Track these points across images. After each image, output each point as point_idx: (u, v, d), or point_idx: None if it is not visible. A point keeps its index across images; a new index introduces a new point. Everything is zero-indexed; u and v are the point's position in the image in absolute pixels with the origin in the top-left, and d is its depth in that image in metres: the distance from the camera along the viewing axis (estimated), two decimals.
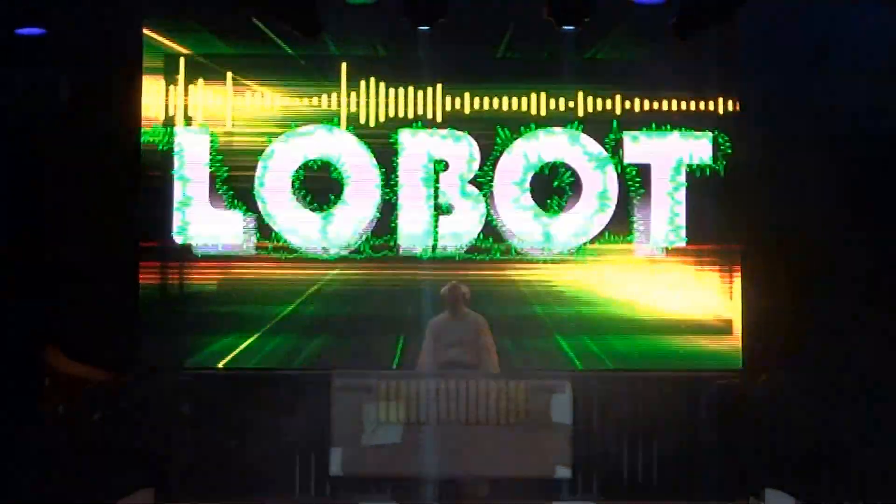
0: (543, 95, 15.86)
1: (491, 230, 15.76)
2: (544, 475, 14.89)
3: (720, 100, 16.15)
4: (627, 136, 15.83)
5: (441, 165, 15.67)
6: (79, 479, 14.26)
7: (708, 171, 16.03)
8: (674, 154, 16.03)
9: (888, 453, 14.59)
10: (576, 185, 15.89)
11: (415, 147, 15.74)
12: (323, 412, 14.39)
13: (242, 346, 15.80)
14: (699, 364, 16.11)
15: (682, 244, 15.99)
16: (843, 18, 15.25)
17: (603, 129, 15.78)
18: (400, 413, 14.39)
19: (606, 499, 14.77)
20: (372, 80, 15.87)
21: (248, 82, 16.12)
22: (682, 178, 16.09)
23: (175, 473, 14.75)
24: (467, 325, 14.96)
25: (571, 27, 14.49)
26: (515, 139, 15.79)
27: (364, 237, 15.86)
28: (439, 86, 15.73)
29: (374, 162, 15.75)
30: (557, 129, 15.88)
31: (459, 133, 15.63)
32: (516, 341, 15.51)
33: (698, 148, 16.06)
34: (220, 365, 15.45)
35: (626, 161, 15.89)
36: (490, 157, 15.71)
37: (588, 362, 15.57)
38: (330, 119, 15.82)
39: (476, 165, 15.71)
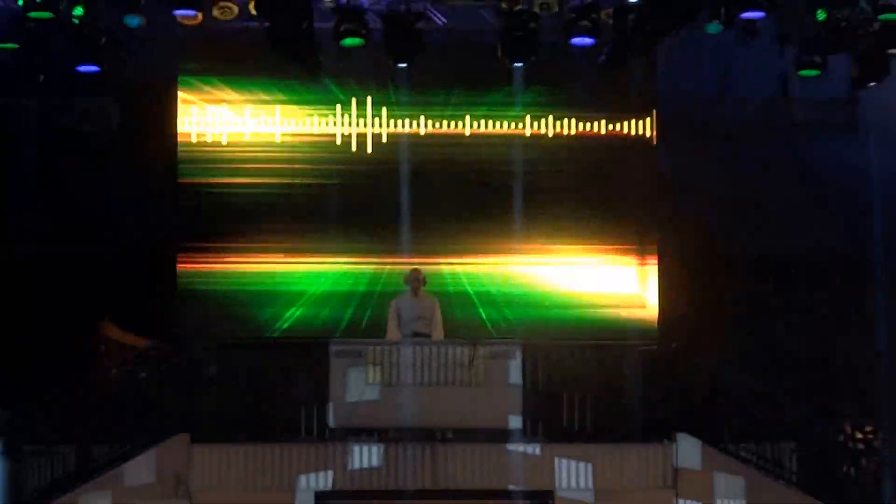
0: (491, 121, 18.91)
1: None
2: (499, 425, 17.32)
3: (638, 120, 18.95)
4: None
5: None
6: (127, 425, 17.02)
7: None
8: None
9: (775, 403, 17.14)
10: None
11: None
12: (322, 374, 17.03)
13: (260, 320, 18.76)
14: (624, 334, 18.90)
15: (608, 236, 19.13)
16: (739, 54, 17.91)
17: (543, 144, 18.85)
18: (383, 375, 17.01)
19: (550, 441, 17.32)
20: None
21: (262, 107, 18.83)
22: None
23: (205, 422, 17.33)
24: (426, 304, 17.54)
25: (520, 63, 16.96)
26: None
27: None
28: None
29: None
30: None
31: None
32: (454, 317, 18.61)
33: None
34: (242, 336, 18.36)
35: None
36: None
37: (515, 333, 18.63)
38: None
39: None
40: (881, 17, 16.52)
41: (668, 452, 17.93)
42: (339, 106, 19.21)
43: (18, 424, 16.79)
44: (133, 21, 16.07)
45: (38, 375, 17.27)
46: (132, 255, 18.77)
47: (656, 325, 19.38)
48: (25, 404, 16.92)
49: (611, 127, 19.26)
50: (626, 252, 19.56)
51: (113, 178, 19.12)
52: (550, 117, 19.26)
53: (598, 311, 19.53)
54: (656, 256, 19.16)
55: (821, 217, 19.04)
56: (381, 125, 19.25)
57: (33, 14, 16.34)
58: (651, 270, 19.19)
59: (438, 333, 17.67)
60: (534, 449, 18.05)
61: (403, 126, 19.16)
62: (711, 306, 19.18)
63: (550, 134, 19.11)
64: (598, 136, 18.98)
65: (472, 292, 19.41)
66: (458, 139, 19.24)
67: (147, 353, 17.53)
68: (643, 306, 19.60)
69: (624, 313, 19.44)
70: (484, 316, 19.39)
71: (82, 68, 17.60)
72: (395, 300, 17.69)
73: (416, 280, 17.46)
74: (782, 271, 19.48)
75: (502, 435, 17.88)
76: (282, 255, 19.26)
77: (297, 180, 19.05)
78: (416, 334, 17.55)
